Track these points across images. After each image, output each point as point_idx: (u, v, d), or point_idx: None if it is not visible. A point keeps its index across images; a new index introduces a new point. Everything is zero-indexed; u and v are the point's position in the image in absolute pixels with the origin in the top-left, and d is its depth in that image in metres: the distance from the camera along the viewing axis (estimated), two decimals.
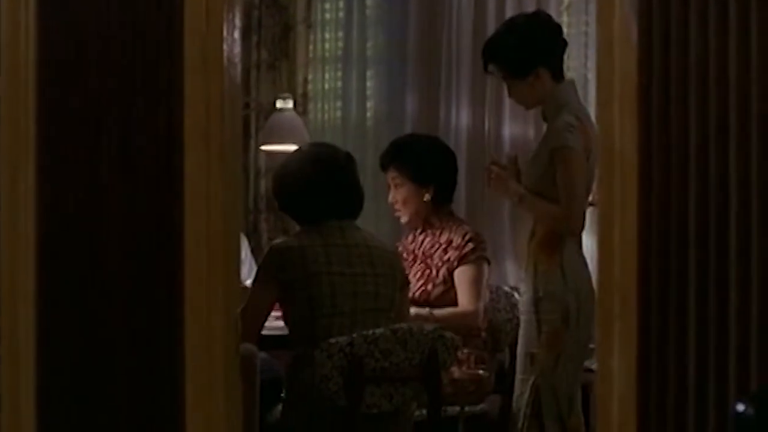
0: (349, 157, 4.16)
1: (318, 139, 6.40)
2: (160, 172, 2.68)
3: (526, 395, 4.07)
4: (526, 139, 6.29)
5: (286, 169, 4.13)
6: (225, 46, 2.70)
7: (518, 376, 4.14)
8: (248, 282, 4.88)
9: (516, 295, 5.10)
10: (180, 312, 2.82)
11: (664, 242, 2.22)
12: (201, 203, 2.68)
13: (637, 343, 2.24)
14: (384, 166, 4.93)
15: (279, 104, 5.79)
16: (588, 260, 4.20)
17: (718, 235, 2.23)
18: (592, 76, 6.12)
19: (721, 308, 2.23)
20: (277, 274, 3.91)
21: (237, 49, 2.87)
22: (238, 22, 2.85)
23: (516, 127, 6.32)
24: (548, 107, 4.19)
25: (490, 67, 4.26)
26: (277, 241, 4.06)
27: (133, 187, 2.73)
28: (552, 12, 6.08)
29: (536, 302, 4.07)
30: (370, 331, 3.77)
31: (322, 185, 4.02)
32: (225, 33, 2.71)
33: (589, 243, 4.32)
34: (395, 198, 4.90)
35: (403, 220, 4.96)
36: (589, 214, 4.24)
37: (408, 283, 4.29)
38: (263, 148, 6.14)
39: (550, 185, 4.06)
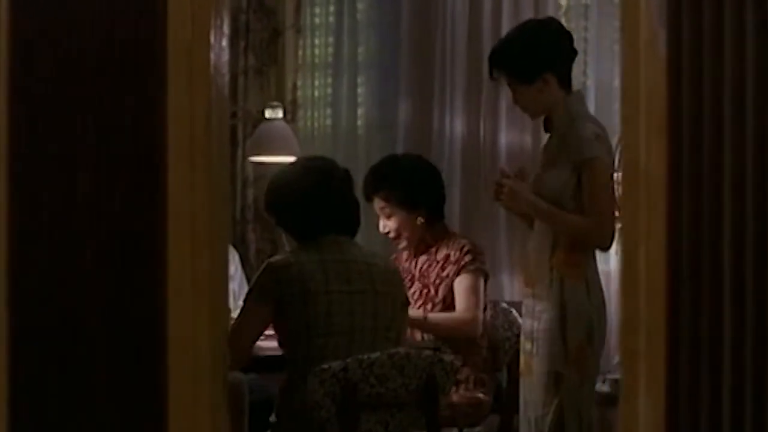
0: (347, 172, 4.01)
1: (308, 147, 6.29)
2: (141, 190, 2.47)
3: (549, 416, 3.89)
4: (522, 148, 6.14)
5: (281, 183, 3.98)
6: (212, 55, 2.50)
7: (537, 397, 3.94)
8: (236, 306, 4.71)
9: (514, 312, 4.93)
10: (163, 338, 2.63)
11: (695, 272, 2.01)
12: (185, 224, 2.48)
13: (666, 383, 2.04)
14: (368, 196, 4.72)
15: (268, 113, 5.56)
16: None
17: (755, 265, 2.03)
18: (591, 83, 5.99)
19: (759, 347, 2.03)
20: (273, 292, 3.76)
21: (225, 57, 2.67)
22: (226, 28, 2.65)
23: (512, 136, 6.18)
24: (558, 117, 4.02)
25: (496, 73, 4.08)
26: (274, 258, 3.90)
27: (112, 207, 2.52)
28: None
29: (562, 318, 3.89)
30: (365, 356, 3.61)
31: (320, 199, 3.87)
32: (212, 40, 2.51)
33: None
34: (387, 227, 4.72)
35: (401, 246, 4.78)
36: None
37: (408, 303, 4.12)
38: (252, 159, 5.95)
39: (571, 198, 3.91)
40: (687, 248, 1.98)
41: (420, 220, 4.69)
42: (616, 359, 5.10)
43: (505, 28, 6.07)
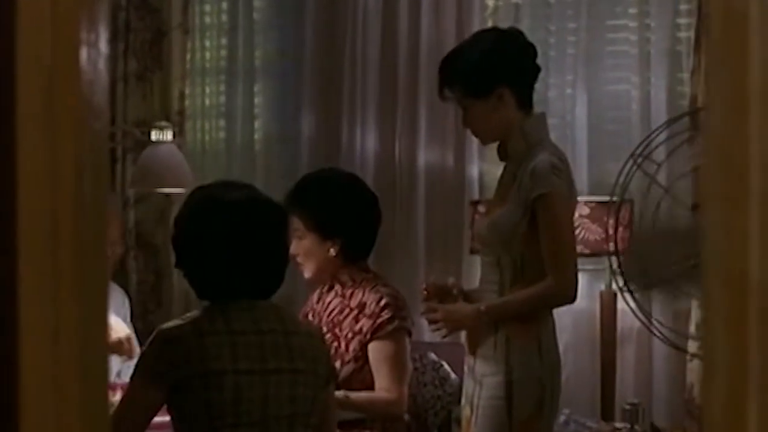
0: (276, 209, 3.20)
1: (198, 164, 5.62)
2: None
3: None
4: (444, 169, 5.52)
5: (184, 225, 3.12)
6: (83, 86, 1.73)
7: None
8: None
9: (445, 365, 4.30)
10: None
11: None
12: (44, 336, 1.71)
13: None
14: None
15: (154, 135, 4.71)
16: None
17: None
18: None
19: None
20: (166, 374, 2.95)
21: (103, 85, 1.89)
22: (103, 45, 1.87)
23: (432, 153, 5.57)
24: (514, 143, 3.50)
25: (447, 91, 3.54)
26: (167, 326, 3.05)
27: None
28: (475, 19, 5.36)
29: (508, 386, 3.42)
30: None
31: (233, 258, 3.06)
32: (83, 64, 1.74)
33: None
34: (297, 250, 3.98)
35: (306, 275, 4.05)
36: None
37: (336, 376, 3.39)
38: (136, 190, 5.16)
39: (521, 241, 3.42)
40: None
41: (332, 251, 3.96)
42: (563, 417, 4.53)
43: (425, 31, 5.49)
